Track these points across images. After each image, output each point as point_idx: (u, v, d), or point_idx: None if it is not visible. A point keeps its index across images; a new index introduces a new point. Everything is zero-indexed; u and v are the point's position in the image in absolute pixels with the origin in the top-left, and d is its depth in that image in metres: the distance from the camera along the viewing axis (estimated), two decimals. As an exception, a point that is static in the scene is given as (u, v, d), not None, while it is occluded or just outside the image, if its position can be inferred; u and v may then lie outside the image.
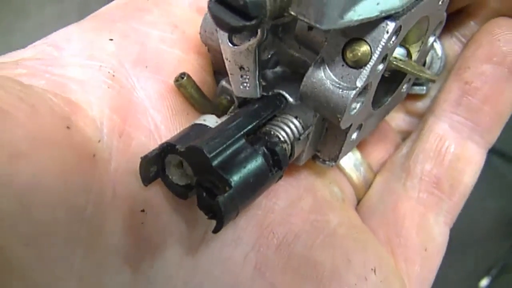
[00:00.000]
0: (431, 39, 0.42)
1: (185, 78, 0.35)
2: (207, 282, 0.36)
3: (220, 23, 0.25)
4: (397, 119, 0.49)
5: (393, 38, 0.32)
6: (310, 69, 0.33)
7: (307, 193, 0.41)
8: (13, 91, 0.31)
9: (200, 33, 0.37)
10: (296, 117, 0.35)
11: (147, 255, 0.33)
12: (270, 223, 0.39)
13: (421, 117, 0.48)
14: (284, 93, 0.35)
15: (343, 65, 0.32)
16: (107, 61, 0.36)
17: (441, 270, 0.44)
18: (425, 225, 0.44)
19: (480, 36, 0.43)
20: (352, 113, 0.34)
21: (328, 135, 0.37)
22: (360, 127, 0.38)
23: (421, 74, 0.36)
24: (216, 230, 0.29)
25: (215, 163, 0.29)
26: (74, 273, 0.29)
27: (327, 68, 0.33)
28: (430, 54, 0.46)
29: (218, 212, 0.29)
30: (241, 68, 0.33)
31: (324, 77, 0.32)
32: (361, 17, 0.29)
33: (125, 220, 0.33)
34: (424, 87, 0.47)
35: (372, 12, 0.29)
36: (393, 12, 0.31)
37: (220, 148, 0.30)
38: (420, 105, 0.48)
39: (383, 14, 0.30)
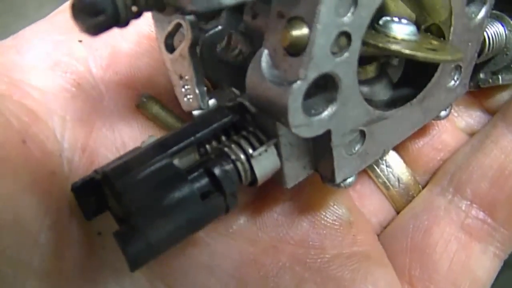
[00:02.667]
0: (482, 11, 0.31)
1: (146, 100, 0.31)
2: None
3: (81, 29, 0.22)
4: (469, 116, 0.38)
5: (350, 10, 0.24)
6: (250, 65, 0.26)
7: (302, 218, 0.34)
8: None
9: None
10: (257, 128, 0.28)
11: (110, 281, 0.30)
12: (254, 252, 0.33)
13: None
14: (245, 102, 0.29)
15: (284, 55, 0.25)
16: (73, 67, 0.33)
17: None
18: (465, 257, 0.34)
19: None
20: (316, 118, 0.26)
21: (320, 148, 0.29)
22: (363, 134, 0.29)
23: (420, 55, 0.26)
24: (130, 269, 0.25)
25: (121, 189, 0.25)
26: None
27: (269, 61, 0.26)
28: (503, 29, 0.34)
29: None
30: (181, 77, 0.28)
31: (265, 73, 0.26)
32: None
33: (84, 244, 0.30)
34: (500, 77, 0.35)
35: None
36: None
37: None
38: (501, 100, 0.36)
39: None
